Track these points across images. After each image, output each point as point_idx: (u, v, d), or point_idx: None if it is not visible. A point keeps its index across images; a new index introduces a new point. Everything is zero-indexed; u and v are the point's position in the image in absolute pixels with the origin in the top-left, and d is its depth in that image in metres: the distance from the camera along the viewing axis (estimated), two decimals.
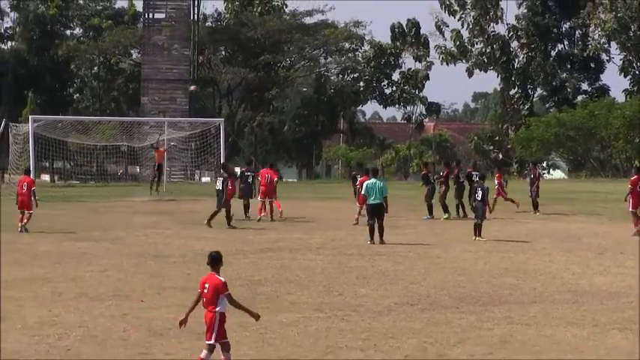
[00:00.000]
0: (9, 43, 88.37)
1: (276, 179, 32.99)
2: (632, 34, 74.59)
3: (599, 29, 74.98)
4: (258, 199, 32.54)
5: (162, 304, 16.52)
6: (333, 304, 16.53)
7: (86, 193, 48.40)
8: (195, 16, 74.91)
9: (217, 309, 11.55)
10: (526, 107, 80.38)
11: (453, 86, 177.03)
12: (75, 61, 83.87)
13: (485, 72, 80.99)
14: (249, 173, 33.25)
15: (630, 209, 27.75)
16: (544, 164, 73.22)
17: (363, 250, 24.13)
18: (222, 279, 11.61)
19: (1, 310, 15.68)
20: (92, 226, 30.23)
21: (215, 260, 11.74)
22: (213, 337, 11.60)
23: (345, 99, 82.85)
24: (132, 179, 63.52)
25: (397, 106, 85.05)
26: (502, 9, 79.70)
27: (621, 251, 24.05)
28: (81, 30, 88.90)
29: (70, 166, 72.55)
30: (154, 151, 46.78)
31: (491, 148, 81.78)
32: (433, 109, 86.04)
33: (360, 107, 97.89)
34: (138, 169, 66.73)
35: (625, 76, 77.16)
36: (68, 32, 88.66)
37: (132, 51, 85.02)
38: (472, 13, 79.11)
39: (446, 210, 32.72)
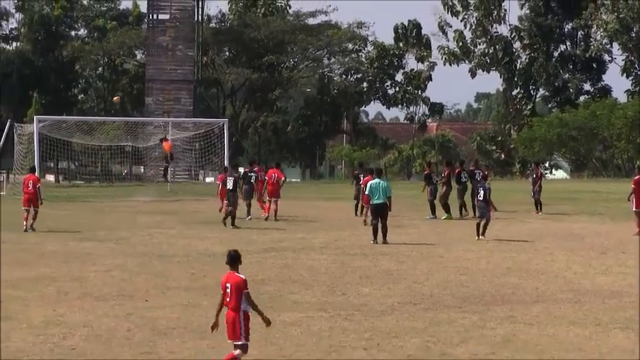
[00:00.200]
0: (14, 44, 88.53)
1: (282, 179, 33.25)
2: (633, 35, 74.62)
3: (602, 30, 75.01)
4: (266, 198, 32.71)
5: (167, 303, 16.59)
6: (336, 304, 16.60)
7: (91, 193, 48.51)
8: (200, 17, 74.94)
9: (242, 308, 11.53)
10: (528, 107, 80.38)
11: (455, 87, 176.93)
12: (79, 61, 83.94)
13: (488, 72, 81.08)
14: (252, 174, 33.37)
15: (634, 209, 27.75)
16: (546, 164, 73.24)
17: (367, 249, 24.19)
18: (243, 277, 11.62)
19: (0, 310, 15.78)
20: (97, 226, 30.33)
21: (234, 259, 11.76)
22: (242, 336, 11.55)
23: (348, 99, 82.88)
24: (136, 179, 63.59)
25: (400, 106, 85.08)
26: (505, 10, 79.84)
27: (623, 251, 24.08)
28: (85, 31, 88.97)
29: (74, 166, 72.74)
30: (162, 143, 47.50)
31: (494, 148, 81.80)
32: (436, 109, 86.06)
33: (363, 108, 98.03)
34: (142, 170, 66.83)
35: (627, 77, 77.18)
36: (73, 33, 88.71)
37: (136, 52, 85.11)
38: (475, 14, 79.16)
39: (447, 210, 32.78)
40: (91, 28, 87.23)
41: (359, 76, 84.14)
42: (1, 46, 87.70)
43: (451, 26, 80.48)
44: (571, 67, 79.94)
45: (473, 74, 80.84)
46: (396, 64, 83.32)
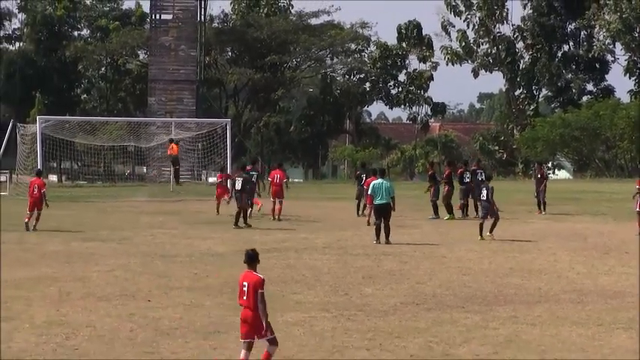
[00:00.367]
0: (17, 44, 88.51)
1: (285, 180, 33.27)
2: (636, 35, 74.51)
3: (604, 30, 74.90)
4: (271, 199, 32.73)
5: (169, 303, 16.60)
6: (339, 304, 16.60)
7: (94, 193, 48.50)
8: (202, 17, 74.88)
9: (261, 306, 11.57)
10: (531, 108, 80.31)
11: (458, 87, 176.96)
12: (82, 61, 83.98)
13: (491, 72, 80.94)
14: (253, 173, 33.38)
15: (636, 209, 27.73)
16: (549, 164, 73.16)
17: (369, 249, 24.20)
18: (261, 276, 11.64)
19: (1, 310, 15.79)
20: (99, 226, 30.34)
21: (252, 258, 11.76)
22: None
23: (351, 99, 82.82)
24: (139, 179, 63.62)
25: (403, 106, 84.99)
26: (507, 10, 79.76)
27: (626, 251, 24.09)
28: (88, 31, 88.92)
29: (77, 166, 72.70)
30: (170, 145, 47.66)
31: (497, 148, 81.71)
32: (439, 109, 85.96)
33: (365, 108, 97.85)
34: (145, 170, 66.85)
35: (630, 77, 77.04)
36: (76, 33, 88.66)
37: (139, 52, 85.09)
38: (478, 14, 79.06)
39: (450, 210, 32.77)
40: (93, 28, 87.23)
41: (361, 76, 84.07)
42: (3, 46, 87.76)
43: (454, 26, 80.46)
44: (574, 67, 79.86)
45: (475, 74, 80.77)
46: (398, 64, 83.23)
